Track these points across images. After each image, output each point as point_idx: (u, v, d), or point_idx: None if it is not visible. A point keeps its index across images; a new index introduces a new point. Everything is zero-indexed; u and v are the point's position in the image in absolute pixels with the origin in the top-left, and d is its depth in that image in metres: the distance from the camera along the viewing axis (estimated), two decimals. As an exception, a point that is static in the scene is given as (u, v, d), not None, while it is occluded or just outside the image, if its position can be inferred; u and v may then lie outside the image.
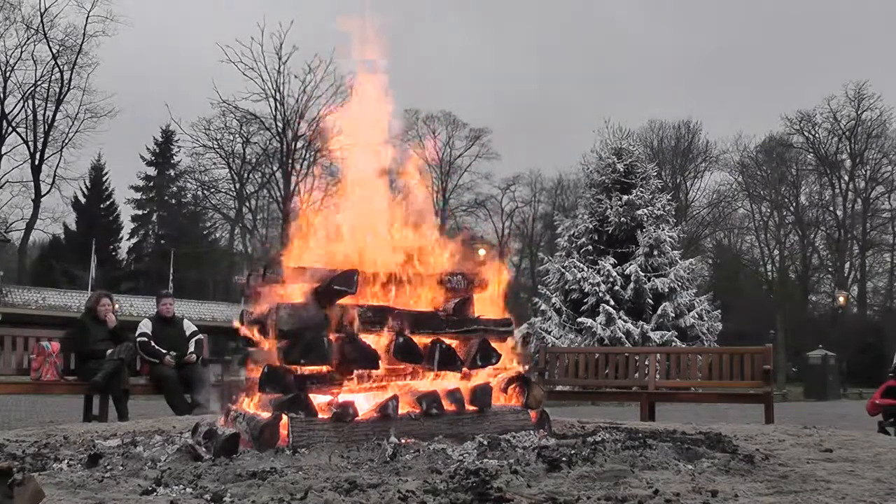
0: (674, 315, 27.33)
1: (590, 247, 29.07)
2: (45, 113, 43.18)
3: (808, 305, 51.51)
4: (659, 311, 27.29)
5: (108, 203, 50.67)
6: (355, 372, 3.94)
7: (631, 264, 27.89)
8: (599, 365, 8.92)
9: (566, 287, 28.57)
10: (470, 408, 4.17)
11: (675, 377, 8.84)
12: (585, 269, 28.22)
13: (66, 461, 3.51)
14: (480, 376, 4.37)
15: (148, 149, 51.23)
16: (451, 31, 79.08)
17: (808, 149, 53.22)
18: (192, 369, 8.05)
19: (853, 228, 51.30)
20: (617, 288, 27.54)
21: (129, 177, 51.04)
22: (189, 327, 8.47)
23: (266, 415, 3.70)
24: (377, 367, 3.98)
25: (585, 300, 27.74)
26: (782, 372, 29.41)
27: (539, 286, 31.45)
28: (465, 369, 4.29)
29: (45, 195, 43.13)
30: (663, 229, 29.01)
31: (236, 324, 4.29)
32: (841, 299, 44.74)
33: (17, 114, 42.49)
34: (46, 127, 43.07)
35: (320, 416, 3.76)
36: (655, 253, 28.42)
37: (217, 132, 46.71)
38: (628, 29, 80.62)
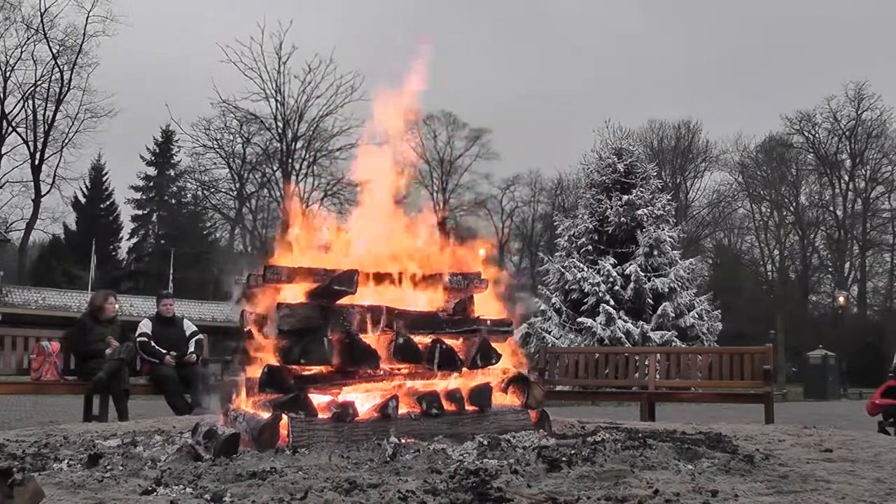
0: (674, 315, 27.30)
1: (590, 247, 29.05)
2: (45, 113, 43.30)
3: (808, 305, 51.52)
4: (659, 311, 27.27)
5: (108, 203, 50.66)
6: (355, 372, 3.94)
7: (631, 264, 27.88)
8: (599, 365, 8.92)
9: (566, 287, 28.54)
10: (470, 408, 4.16)
11: (675, 377, 8.84)
12: (585, 269, 28.20)
13: (66, 461, 3.51)
14: (480, 376, 4.37)
15: (148, 149, 51.31)
16: (452, 31, 79.05)
17: (808, 149, 53.30)
18: (192, 369, 8.06)
19: (853, 228, 51.33)
20: (617, 288, 27.52)
21: (129, 177, 51.13)
22: (189, 327, 8.49)
23: (266, 415, 3.70)
24: (377, 368, 3.98)
25: (585, 300, 27.72)
26: (782, 372, 29.37)
27: (539, 286, 31.43)
28: (465, 369, 4.29)
29: (45, 195, 43.24)
30: (663, 229, 28.99)
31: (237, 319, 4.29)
32: (841, 299, 44.75)
33: (17, 114, 42.62)
34: (46, 127, 43.15)
35: (320, 416, 3.76)
36: (655, 253, 28.41)
37: (217, 132, 46.89)
38: (628, 29, 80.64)
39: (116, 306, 8.53)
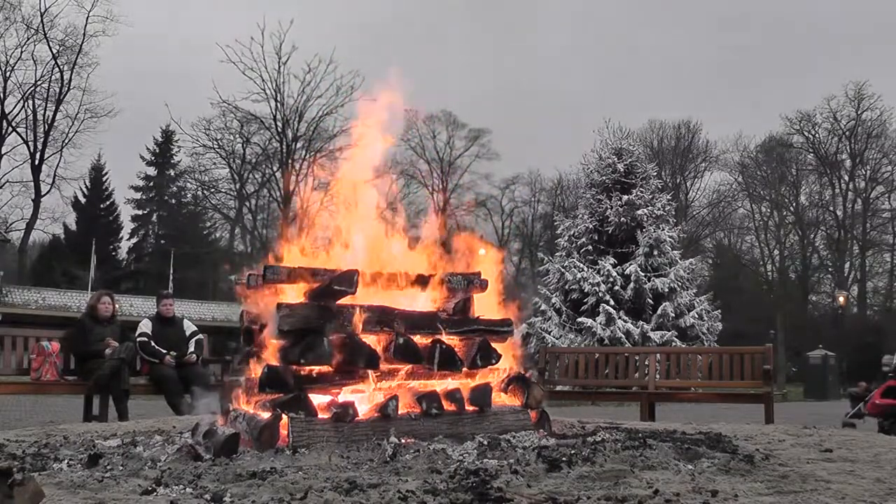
0: (674, 315, 27.30)
1: (590, 247, 29.05)
2: (45, 113, 43.22)
3: (808, 305, 51.48)
4: (659, 311, 27.26)
5: (108, 203, 50.63)
6: (355, 372, 3.94)
7: (631, 264, 27.87)
8: (599, 365, 8.92)
9: (566, 287, 28.54)
10: (470, 408, 4.17)
11: (675, 377, 8.84)
12: (585, 269, 28.20)
13: (66, 461, 3.51)
14: (480, 376, 4.37)
15: (148, 149, 51.28)
16: (452, 31, 79.07)
17: (808, 149, 53.24)
18: (192, 369, 8.05)
19: (853, 228, 51.28)
20: (617, 288, 27.52)
21: (129, 177, 51.07)
22: (189, 327, 8.48)
23: (266, 415, 3.70)
24: (377, 368, 3.98)
25: (585, 300, 27.71)
26: (782, 372, 29.39)
27: (539, 286, 31.43)
28: (465, 369, 4.29)
29: (45, 195, 43.18)
30: (663, 229, 28.99)
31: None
32: (841, 299, 44.71)
33: (17, 114, 42.51)
34: (46, 127, 43.08)
35: (320, 416, 3.76)
36: (655, 253, 28.40)
37: (217, 132, 46.86)
38: (629, 29, 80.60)
39: (114, 306, 8.51)
